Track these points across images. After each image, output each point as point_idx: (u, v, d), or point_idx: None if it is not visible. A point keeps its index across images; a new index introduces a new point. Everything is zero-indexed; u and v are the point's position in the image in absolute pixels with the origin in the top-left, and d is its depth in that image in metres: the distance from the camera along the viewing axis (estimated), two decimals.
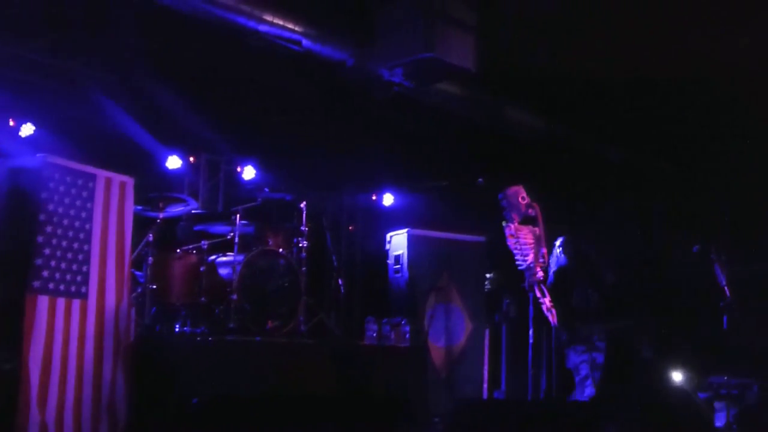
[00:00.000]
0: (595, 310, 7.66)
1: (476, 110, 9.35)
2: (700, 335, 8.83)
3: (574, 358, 7.68)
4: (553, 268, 7.93)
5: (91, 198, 6.26)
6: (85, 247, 6.19)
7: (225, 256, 8.20)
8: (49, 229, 5.92)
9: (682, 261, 9.00)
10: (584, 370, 7.66)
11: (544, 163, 10.17)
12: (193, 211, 8.47)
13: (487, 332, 8.92)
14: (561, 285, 7.78)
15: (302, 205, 8.53)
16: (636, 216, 10.51)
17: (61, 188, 6.05)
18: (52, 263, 5.92)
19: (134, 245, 7.00)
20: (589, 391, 7.59)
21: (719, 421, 7.17)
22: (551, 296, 7.68)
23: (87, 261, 6.19)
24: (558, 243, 7.94)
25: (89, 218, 6.23)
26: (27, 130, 8.20)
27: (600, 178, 10.63)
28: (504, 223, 6.66)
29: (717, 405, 7.50)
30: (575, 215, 9.84)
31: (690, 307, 9.54)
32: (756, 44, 8.10)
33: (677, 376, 9.16)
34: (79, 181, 6.19)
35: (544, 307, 6.33)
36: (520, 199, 6.68)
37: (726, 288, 7.30)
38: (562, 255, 7.88)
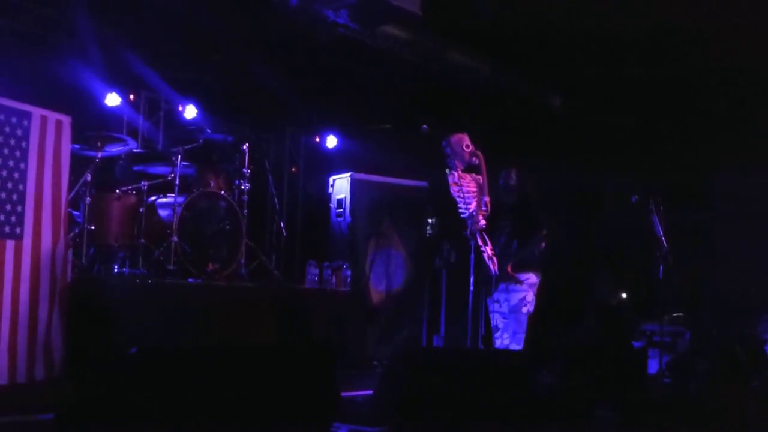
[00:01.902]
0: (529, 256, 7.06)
1: (421, 54, 9.26)
2: (636, 284, 9.00)
3: (490, 305, 7.23)
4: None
5: (25, 136, 6.06)
6: (20, 187, 6.01)
7: (165, 197, 8.09)
8: None
9: (620, 210, 9.10)
10: (495, 320, 7.13)
11: (488, 110, 10.16)
12: (132, 151, 8.29)
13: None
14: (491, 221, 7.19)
15: (244, 147, 8.47)
16: (577, 165, 10.57)
17: None
18: None
19: (72, 185, 6.85)
20: (500, 344, 7.04)
21: (652, 368, 7.32)
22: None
23: (22, 201, 6.02)
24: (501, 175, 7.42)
25: (24, 157, 6.04)
26: None
27: (542, 126, 10.66)
28: (447, 171, 6.61)
29: (650, 352, 7.66)
30: (518, 162, 9.86)
31: (626, 256, 9.70)
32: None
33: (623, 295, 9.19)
34: (13, 119, 5.99)
35: (485, 256, 6.33)
36: (464, 147, 6.61)
37: (663, 238, 7.40)
38: (501, 188, 7.33)
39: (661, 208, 7.47)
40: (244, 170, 8.40)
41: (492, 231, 6.99)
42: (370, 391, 5.46)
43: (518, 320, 6.93)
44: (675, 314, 8.68)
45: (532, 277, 6.97)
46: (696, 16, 8.34)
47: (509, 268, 6.95)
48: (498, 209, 7.08)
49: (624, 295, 9.19)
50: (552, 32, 9.06)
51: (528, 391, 5.21)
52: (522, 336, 6.90)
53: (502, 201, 7.07)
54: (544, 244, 7.04)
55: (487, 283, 6.96)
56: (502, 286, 6.96)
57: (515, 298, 6.94)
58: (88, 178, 7.49)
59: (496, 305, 7.05)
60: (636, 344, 8.01)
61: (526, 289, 6.91)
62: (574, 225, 10.12)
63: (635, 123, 10.40)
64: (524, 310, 6.89)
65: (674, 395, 6.88)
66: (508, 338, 6.95)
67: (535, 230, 6.99)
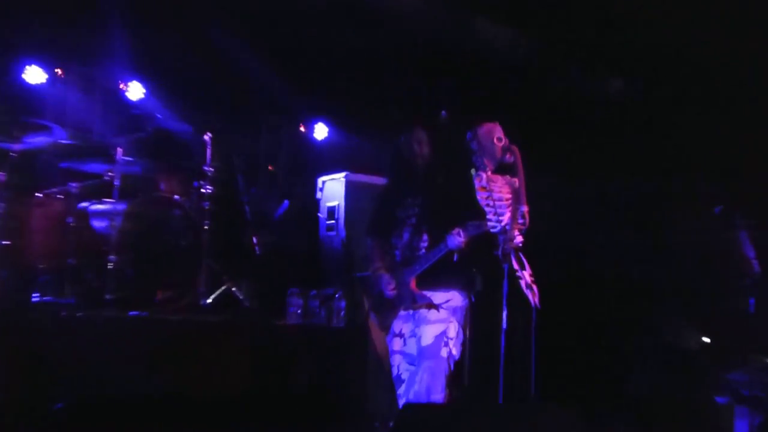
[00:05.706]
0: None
1: (440, 22, 9.23)
2: (720, 321, 8.91)
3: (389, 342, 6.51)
4: None
5: None
6: None
7: (101, 203, 8.13)
8: None
9: (697, 224, 9.01)
10: (397, 367, 6.43)
11: (526, 94, 10.08)
12: (59, 142, 8.25)
13: None
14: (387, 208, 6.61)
15: (206, 138, 8.49)
16: (638, 163, 10.49)
17: None
18: None
19: None
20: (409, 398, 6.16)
21: (740, 430, 7.24)
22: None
23: None
24: None
25: None
26: None
27: (594, 115, 10.58)
28: (473, 172, 6.46)
29: (738, 410, 7.57)
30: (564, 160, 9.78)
31: (705, 284, 9.61)
32: None
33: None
34: None
35: (522, 283, 6.15)
36: (495, 141, 6.44)
37: (754, 261, 7.33)
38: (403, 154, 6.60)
39: (753, 221, 7.41)
40: (206, 168, 8.45)
41: (392, 225, 6.50)
42: None
43: (432, 370, 6.03)
44: None
45: (455, 297, 6.25)
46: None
47: (413, 284, 6.20)
48: (401, 188, 6.55)
49: (703, 336, 9.12)
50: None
51: None
52: (439, 396, 6.00)
53: (405, 175, 6.50)
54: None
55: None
56: (403, 314, 6.31)
57: (429, 335, 6.12)
58: (2, 178, 7.55)
59: (398, 342, 6.36)
60: (719, 400, 7.93)
61: (446, 319, 6.13)
62: (632, 240, 10.03)
63: (719, 111, 10.30)
64: (443, 352, 6.06)
65: None
66: (416, 394, 6.06)
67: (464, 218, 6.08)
